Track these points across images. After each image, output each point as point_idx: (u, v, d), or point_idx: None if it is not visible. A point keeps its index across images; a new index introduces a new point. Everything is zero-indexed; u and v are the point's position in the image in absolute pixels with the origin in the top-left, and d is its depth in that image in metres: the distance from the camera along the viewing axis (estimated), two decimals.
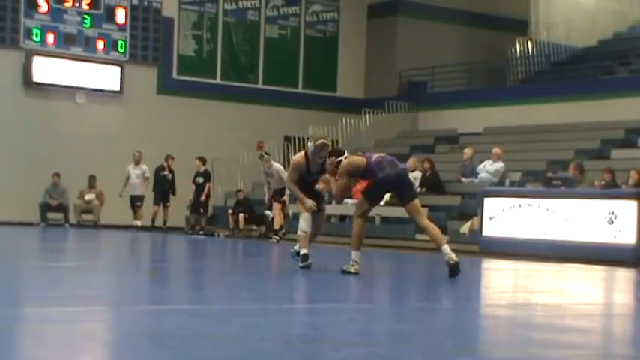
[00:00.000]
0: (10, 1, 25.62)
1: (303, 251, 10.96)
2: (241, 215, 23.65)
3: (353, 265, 10.48)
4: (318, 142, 11.14)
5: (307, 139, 26.62)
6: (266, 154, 20.96)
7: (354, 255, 10.53)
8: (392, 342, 5.47)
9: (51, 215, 24.84)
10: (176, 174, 24.34)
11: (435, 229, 10.89)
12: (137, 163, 24.13)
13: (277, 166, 20.51)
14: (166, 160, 24.41)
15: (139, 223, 23.94)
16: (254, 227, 24.04)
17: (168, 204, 24.28)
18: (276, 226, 20.66)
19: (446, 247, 10.53)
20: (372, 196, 10.99)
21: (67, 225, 24.53)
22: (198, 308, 6.91)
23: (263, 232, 23.49)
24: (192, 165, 24.07)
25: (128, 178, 24.00)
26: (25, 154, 25.37)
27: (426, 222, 10.99)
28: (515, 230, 17.69)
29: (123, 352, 4.81)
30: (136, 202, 24.10)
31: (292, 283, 9.72)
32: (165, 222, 24.21)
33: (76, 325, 5.57)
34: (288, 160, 28.31)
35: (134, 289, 8.36)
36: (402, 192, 10.98)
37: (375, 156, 10.84)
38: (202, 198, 23.83)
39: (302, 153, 11.49)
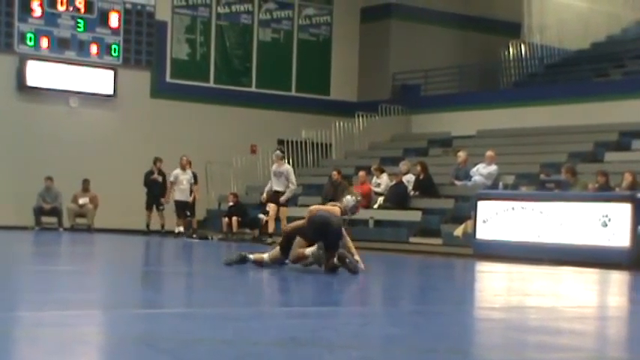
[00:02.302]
0: (4, 5, 25.58)
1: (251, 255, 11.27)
2: (234, 218, 23.62)
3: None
4: (360, 197, 11.64)
5: (302, 142, 26.57)
6: (282, 152, 21.01)
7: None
8: (386, 345, 5.47)
9: (44, 219, 24.81)
10: (168, 177, 24.31)
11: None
12: (184, 168, 23.50)
13: (288, 167, 20.57)
14: (155, 162, 24.37)
15: (181, 228, 23.52)
16: (247, 230, 24.02)
17: (161, 207, 24.23)
18: (271, 229, 20.68)
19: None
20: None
21: (61, 229, 24.49)
22: (192, 312, 6.90)
23: (256, 235, 23.47)
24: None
25: (174, 183, 23.44)
26: (19, 158, 25.34)
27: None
28: (508, 233, 17.70)
29: (117, 356, 4.81)
30: (184, 208, 23.48)
31: (287, 287, 9.72)
32: (162, 225, 24.16)
33: (71, 329, 5.56)
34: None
35: (128, 293, 8.35)
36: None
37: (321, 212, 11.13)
38: (189, 200, 23.74)
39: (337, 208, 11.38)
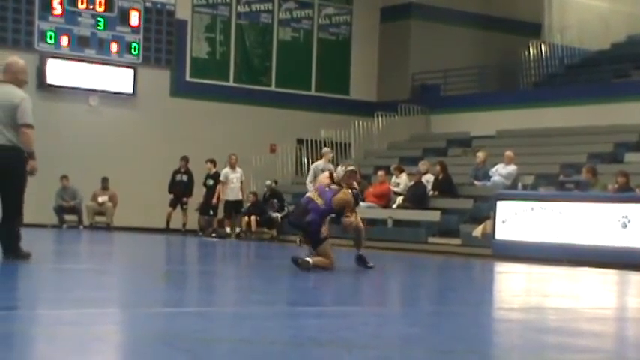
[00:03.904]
0: (25, 4, 25.71)
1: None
2: (253, 217, 23.65)
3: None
4: (350, 168, 11.57)
5: (322, 142, 26.59)
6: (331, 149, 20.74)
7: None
8: (405, 345, 5.46)
9: (66, 217, 24.87)
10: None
11: (322, 261, 11.07)
12: (233, 166, 23.22)
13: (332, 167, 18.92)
14: (181, 161, 24.47)
15: (227, 229, 23.28)
16: (265, 230, 24.05)
17: (185, 206, 24.29)
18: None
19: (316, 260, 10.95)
20: None
21: (82, 227, 24.56)
22: (210, 310, 6.91)
23: (274, 235, 23.52)
24: (204, 167, 24.12)
25: (224, 183, 23.13)
26: (39, 156, 25.26)
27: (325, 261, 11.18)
28: (528, 234, 17.66)
29: (135, 355, 4.82)
30: (234, 208, 23.21)
31: (304, 286, 9.71)
32: (184, 224, 24.24)
33: (89, 328, 5.58)
34: (300, 164, 28.41)
35: (146, 292, 8.36)
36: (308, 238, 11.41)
37: (310, 192, 11.56)
38: (214, 200, 23.84)
39: (327, 174, 11.80)
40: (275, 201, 24.07)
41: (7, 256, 10.16)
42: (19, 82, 10.19)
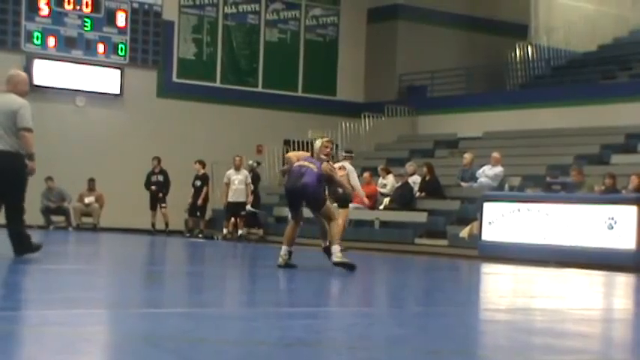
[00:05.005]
0: (11, 4, 25.62)
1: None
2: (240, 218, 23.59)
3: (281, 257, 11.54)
4: (325, 138, 12.09)
5: (309, 142, 26.61)
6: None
7: (283, 250, 11.59)
8: (391, 346, 5.47)
9: (52, 218, 24.80)
10: (175, 177, 24.32)
11: (335, 228, 11.66)
12: (238, 168, 23.03)
13: (350, 168, 17.91)
14: (154, 161, 24.39)
15: (225, 231, 23.09)
16: (252, 230, 24.01)
17: (163, 205, 24.25)
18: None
19: (336, 247, 11.32)
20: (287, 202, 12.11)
21: (70, 228, 24.48)
22: (196, 311, 6.90)
23: (261, 234, 23.50)
24: (192, 168, 24.09)
25: (228, 184, 22.94)
26: None
27: (332, 223, 11.58)
28: (514, 235, 17.69)
29: (121, 355, 4.80)
30: (238, 210, 22.98)
31: (292, 287, 9.71)
32: (166, 224, 24.22)
33: (75, 328, 5.56)
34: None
35: (132, 292, 8.35)
36: (308, 205, 11.71)
37: (299, 162, 11.67)
38: (199, 201, 23.82)
39: (304, 152, 12.66)
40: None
41: (20, 254, 10.86)
42: (20, 93, 10.98)
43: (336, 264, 11.24)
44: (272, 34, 29.56)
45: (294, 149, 27.75)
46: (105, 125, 26.65)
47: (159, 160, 24.49)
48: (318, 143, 11.97)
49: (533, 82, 28.73)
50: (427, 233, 21.15)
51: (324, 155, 11.76)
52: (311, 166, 11.47)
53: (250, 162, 24.05)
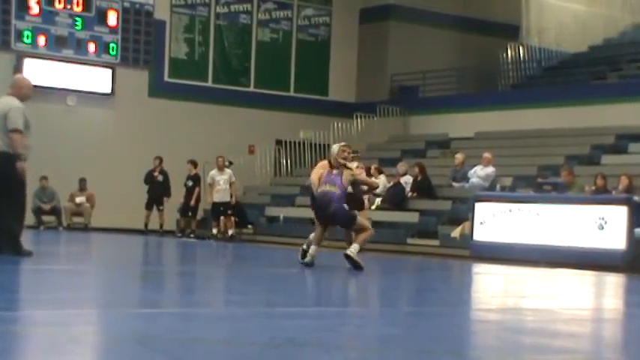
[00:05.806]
0: (1, 2, 25.53)
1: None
2: (232, 219, 23.58)
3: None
4: (342, 143, 12.56)
5: (301, 142, 26.55)
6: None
7: (312, 249, 12.08)
8: (383, 346, 5.47)
9: (44, 218, 24.73)
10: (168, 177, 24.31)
11: (368, 235, 12.13)
12: (221, 168, 22.99)
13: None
14: (155, 161, 24.35)
15: (214, 231, 23.01)
16: (244, 230, 24.00)
17: (161, 207, 24.22)
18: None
19: (356, 246, 11.82)
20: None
21: (61, 228, 24.42)
22: (188, 312, 6.90)
23: (252, 232, 23.51)
24: (184, 168, 24.07)
25: (212, 184, 22.92)
26: None
27: (367, 232, 12.15)
28: (505, 235, 17.71)
29: (113, 356, 4.80)
30: (222, 209, 22.92)
31: (283, 288, 9.71)
32: (161, 225, 24.18)
33: (66, 329, 5.55)
34: (279, 165, 28.42)
35: (123, 293, 8.34)
36: (342, 226, 12.45)
37: (321, 189, 12.02)
38: (192, 202, 23.81)
39: (324, 162, 12.63)
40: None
41: (8, 252, 11.01)
42: (22, 97, 11.60)
43: (347, 257, 11.67)
44: (264, 33, 29.55)
45: (285, 149, 27.78)
46: (96, 125, 26.60)
47: (160, 159, 24.38)
48: (335, 148, 12.28)
49: (525, 83, 28.78)
50: (419, 233, 21.15)
51: (342, 159, 12.06)
52: (333, 189, 11.78)
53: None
